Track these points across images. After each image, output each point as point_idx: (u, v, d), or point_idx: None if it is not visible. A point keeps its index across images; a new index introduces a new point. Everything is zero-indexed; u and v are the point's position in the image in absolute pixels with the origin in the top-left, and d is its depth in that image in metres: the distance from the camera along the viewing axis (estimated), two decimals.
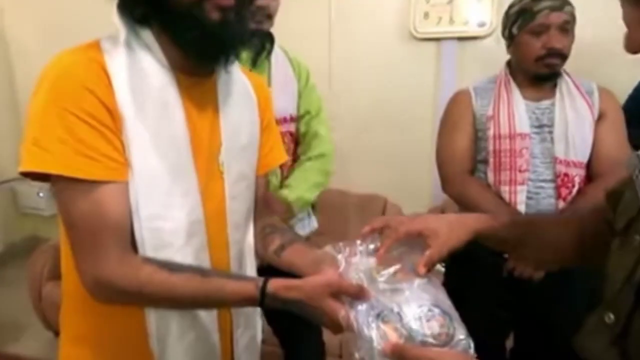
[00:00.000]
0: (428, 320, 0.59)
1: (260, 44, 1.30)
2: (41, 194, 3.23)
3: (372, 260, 0.66)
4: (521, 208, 1.20)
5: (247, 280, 0.68)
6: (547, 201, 1.20)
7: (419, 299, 0.61)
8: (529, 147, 1.21)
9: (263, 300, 0.66)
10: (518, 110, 1.22)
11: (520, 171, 1.20)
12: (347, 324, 0.60)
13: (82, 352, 0.75)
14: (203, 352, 0.76)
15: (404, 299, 0.61)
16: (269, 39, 1.32)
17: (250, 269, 0.86)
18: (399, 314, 0.59)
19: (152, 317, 0.70)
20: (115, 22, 0.67)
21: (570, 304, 1.16)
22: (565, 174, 1.18)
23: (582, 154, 1.19)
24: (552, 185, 1.20)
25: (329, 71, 2.63)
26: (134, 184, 0.65)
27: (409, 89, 2.57)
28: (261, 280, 0.67)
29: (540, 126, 1.23)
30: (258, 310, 0.91)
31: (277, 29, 1.34)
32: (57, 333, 2.27)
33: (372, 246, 0.69)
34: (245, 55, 1.26)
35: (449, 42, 2.48)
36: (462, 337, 0.59)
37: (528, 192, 1.21)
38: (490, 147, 1.24)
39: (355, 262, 0.66)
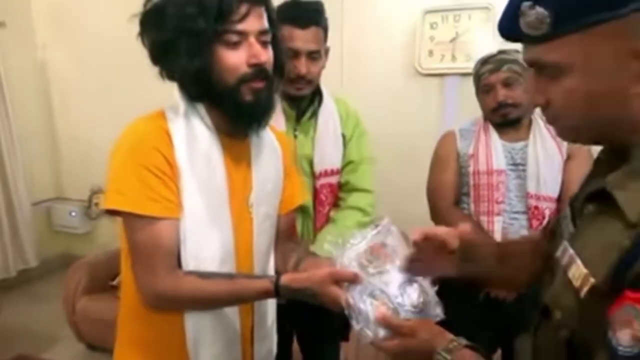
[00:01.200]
0: (407, 293, 0.76)
1: (306, 105, 1.38)
2: (73, 214, 3.45)
3: (361, 251, 0.82)
4: (497, 236, 1.36)
5: (263, 278, 0.87)
6: (520, 231, 1.36)
7: (399, 278, 0.78)
8: (505, 182, 1.38)
9: (278, 291, 0.83)
10: (495, 149, 1.40)
11: (497, 203, 1.37)
12: (347, 304, 0.76)
13: (132, 353, 0.94)
14: (227, 358, 0.94)
15: (388, 279, 0.78)
16: (318, 98, 1.39)
17: None
18: (385, 291, 0.76)
19: (190, 326, 0.88)
20: (176, 98, 0.88)
21: None
22: (536, 207, 1.34)
23: (552, 190, 1.35)
24: (524, 216, 1.37)
25: None
26: (184, 221, 0.84)
27: (415, 121, 2.73)
28: (274, 276, 0.86)
29: (515, 164, 1.40)
30: (274, 326, 1.09)
31: None
32: (89, 345, 2.47)
33: (359, 240, 0.84)
34: (289, 112, 1.36)
35: (452, 77, 2.65)
36: (433, 300, 0.76)
37: (503, 222, 1.37)
38: (471, 182, 1.42)
39: (348, 254, 0.82)
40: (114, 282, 2.50)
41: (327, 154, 1.39)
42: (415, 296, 0.76)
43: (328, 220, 1.43)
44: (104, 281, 2.51)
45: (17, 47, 3.19)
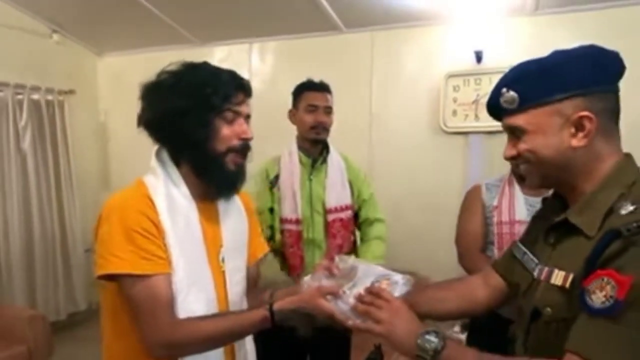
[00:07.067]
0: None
1: (319, 152, 1.80)
2: None
3: (329, 279, 1.00)
4: None
5: (258, 309, 0.94)
6: None
7: (367, 282, 0.98)
8: None
9: (273, 317, 0.91)
10: (518, 202, 1.53)
11: None
12: (336, 312, 0.90)
13: None
14: None
15: (360, 286, 0.97)
16: (326, 147, 1.83)
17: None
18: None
19: None
20: (152, 164, 1.01)
21: None
22: None
23: None
24: None
25: (369, 162, 2.99)
26: (173, 276, 0.93)
27: (440, 177, 2.88)
28: (267, 304, 0.94)
29: None
30: None
31: None
32: None
33: (326, 276, 1.02)
34: (305, 160, 1.78)
35: (475, 135, 2.81)
36: (401, 284, 0.98)
37: None
38: (495, 231, 1.54)
39: (325, 282, 0.98)
40: None
41: (337, 193, 1.79)
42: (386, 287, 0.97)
43: (340, 251, 1.75)
44: None
45: (83, 111, 3.62)
